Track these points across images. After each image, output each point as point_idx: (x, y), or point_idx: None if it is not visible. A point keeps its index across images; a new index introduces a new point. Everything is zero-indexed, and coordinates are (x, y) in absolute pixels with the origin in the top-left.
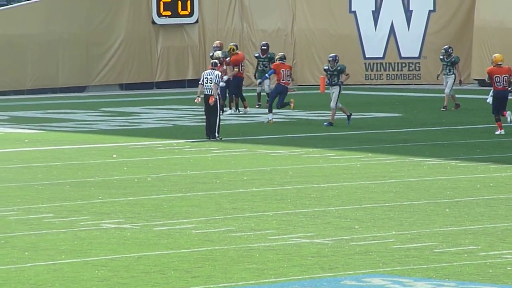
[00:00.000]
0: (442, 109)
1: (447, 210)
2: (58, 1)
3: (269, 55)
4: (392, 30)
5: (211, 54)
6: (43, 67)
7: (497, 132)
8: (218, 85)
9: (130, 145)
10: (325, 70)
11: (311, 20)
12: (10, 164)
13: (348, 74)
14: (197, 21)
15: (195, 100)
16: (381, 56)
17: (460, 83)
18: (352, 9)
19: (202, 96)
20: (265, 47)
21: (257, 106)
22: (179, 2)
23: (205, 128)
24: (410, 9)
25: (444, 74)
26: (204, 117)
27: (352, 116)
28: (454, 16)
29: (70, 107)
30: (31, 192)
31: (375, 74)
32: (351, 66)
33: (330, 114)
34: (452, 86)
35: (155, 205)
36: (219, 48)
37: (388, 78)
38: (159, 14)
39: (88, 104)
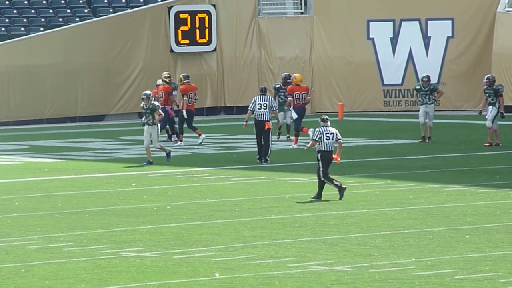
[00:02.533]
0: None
1: (467, 236)
2: (77, 31)
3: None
4: (410, 56)
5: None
6: (62, 96)
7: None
8: (277, 110)
9: (149, 174)
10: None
11: (329, 47)
12: (30, 193)
13: (161, 114)
14: (215, 49)
15: (244, 127)
16: (400, 82)
17: (502, 116)
18: (370, 36)
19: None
20: (289, 80)
21: (287, 138)
22: (197, 31)
23: (257, 152)
24: (429, 35)
25: (489, 105)
26: (256, 142)
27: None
28: (472, 42)
29: (89, 136)
30: (51, 221)
31: (393, 101)
32: (369, 93)
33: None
34: (494, 117)
35: (174, 233)
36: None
37: (406, 104)
38: (178, 43)
39: (107, 133)
